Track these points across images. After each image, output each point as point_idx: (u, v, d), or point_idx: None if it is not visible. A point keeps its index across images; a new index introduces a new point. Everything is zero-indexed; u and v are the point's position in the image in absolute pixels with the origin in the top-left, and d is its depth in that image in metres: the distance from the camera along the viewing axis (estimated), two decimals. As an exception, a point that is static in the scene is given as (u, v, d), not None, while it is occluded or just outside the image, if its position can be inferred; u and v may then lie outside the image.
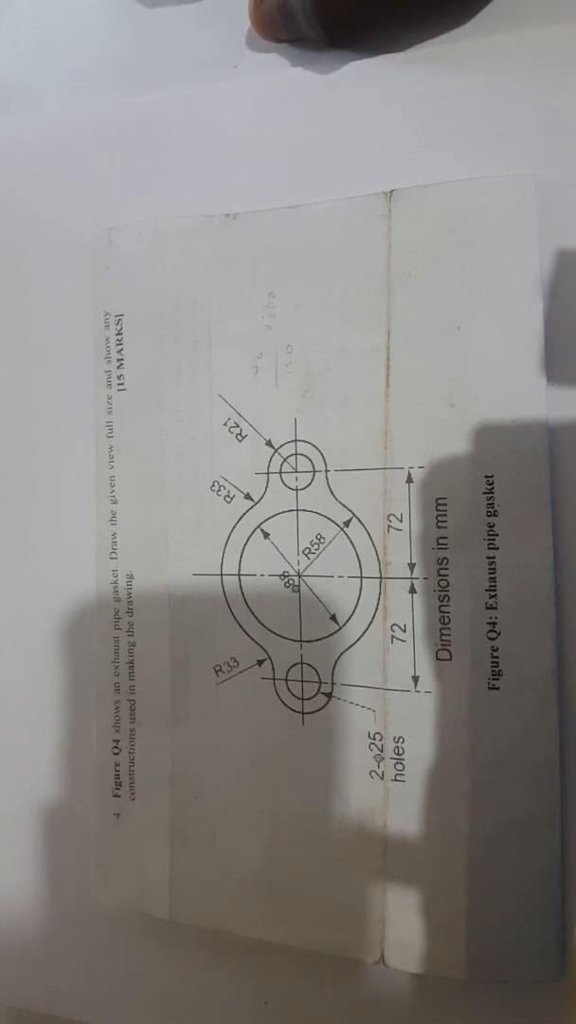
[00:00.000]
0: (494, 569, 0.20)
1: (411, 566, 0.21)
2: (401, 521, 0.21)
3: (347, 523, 0.22)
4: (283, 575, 0.22)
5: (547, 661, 0.20)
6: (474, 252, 0.20)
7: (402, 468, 0.21)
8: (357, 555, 0.22)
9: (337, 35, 0.22)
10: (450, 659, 0.20)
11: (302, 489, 0.22)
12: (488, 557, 0.20)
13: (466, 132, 0.21)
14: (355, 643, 0.22)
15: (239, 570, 0.23)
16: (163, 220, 0.24)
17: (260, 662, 0.23)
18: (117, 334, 0.24)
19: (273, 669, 0.22)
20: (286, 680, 0.22)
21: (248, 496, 0.23)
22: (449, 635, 0.21)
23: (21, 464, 0.26)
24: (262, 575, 0.23)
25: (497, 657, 0.20)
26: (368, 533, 0.21)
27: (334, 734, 0.22)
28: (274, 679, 0.22)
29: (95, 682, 0.24)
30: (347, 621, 0.22)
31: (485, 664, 0.20)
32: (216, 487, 0.23)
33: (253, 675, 0.23)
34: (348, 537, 0.22)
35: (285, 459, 0.22)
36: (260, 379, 0.23)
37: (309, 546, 0.22)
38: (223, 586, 0.23)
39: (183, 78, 0.25)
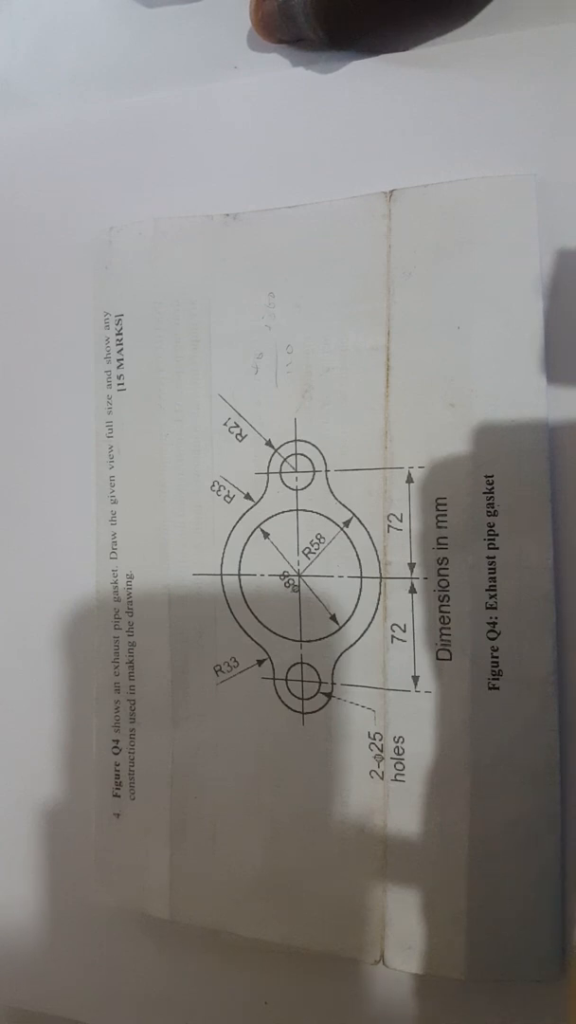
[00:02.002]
0: (494, 569, 0.20)
1: (411, 566, 0.21)
2: (401, 521, 0.21)
3: (347, 523, 0.22)
4: (283, 575, 0.22)
5: (547, 661, 0.20)
6: (474, 252, 0.20)
7: (402, 468, 0.21)
8: (357, 555, 0.22)
9: (338, 36, 0.22)
10: (450, 659, 0.20)
11: (302, 489, 0.22)
12: (488, 557, 0.20)
13: (466, 132, 0.21)
14: (355, 643, 0.22)
15: (239, 570, 0.23)
16: (163, 220, 0.24)
17: (260, 662, 0.23)
18: (117, 334, 0.24)
19: (273, 669, 0.22)
20: (286, 680, 0.22)
21: (248, 496, 0.23)
22: (449, 635, 0.21)
23: (21, 464, 0.26)
24: (262, 575, 0.23)
25: (497, 657, 0.20)
26: (368, 533, 0.21)
27: (334, 734, 0.22)
28: (274, 679, 0.22)
29: (95, 682, 0.24)
30: (347, 621, 0.22)
31: (485, 664, 0.20)
32: (216, 487, 0.23)
33: (253, 675, 0.23)
34: (348, 537, 0.22)
35: (285, 459, 0.22)
36: (260, 379, 0.23)
37: (309, 546, 0.22)
38: (223, 586, 0.23)
39: (183, 78, 0.25)
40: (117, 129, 0.25)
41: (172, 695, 0.23)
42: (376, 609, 0.21)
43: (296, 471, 0.22)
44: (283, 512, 0.22)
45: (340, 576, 0.22)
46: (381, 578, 0.21)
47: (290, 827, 0.22)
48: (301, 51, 0.23)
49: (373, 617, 0.21)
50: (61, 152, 0.26)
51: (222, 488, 0.23)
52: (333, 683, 0.22)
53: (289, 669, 0.22)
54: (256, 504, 0.23)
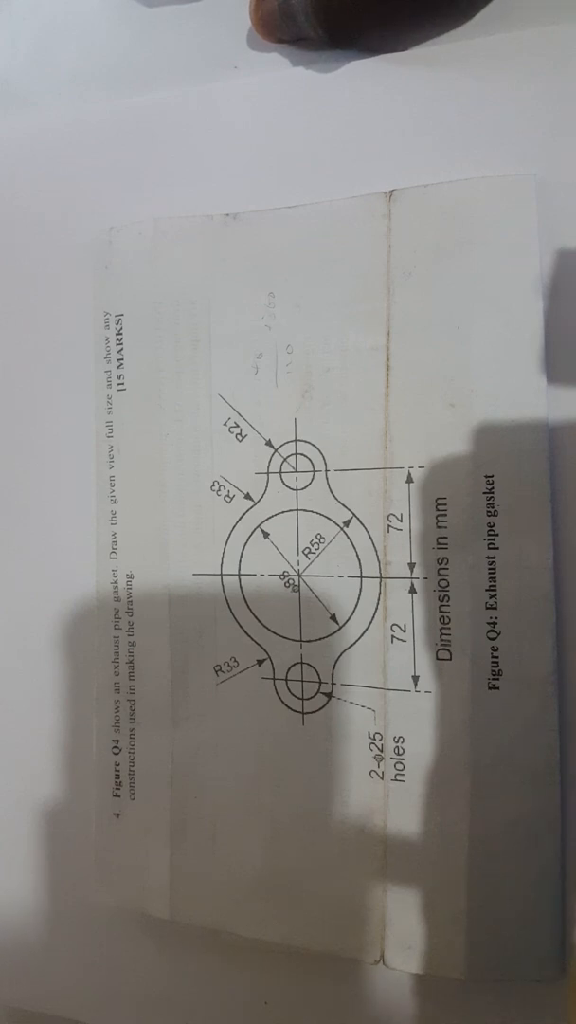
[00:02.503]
0: (494, 569, 0.20)
1: (411, 566, 0.21)
2: (401, 521, 0.21)
3: (347, 523, 0.22)
4: (283, 575, 0.22)
5: (547, 661, 0.20)
6: (474, 252, 0.20)
7: (402, 468, 0.21)
8: (357, 555, 0.22)
9: (338, 35, 0.22)
10: (450, 659, 0.20)
11: (302, 489, 0.22)
12: (488, 557, 0.20)
13: (466, 132, 0.21)
14: (355, 643, 0.22)
15: (239, 570, 0.23)
16: (163, 220, 0.24)
17: (260, 662, 0.23)
18: (117, 334, 0.24)
19: (273, 669, 0.22)
20: (286, 680, 0.22)
21: (248, 496, 0.23)
22: (449, 635, 0.21)
23: (21, 464, 0.26)
24: (262, 575, 0.23)
25: (497, 657, 0.20)
26: (368, 533, 0.21)
27: (334, 734, 0.22)
28: (274, 679, 0.22)
29: (95, 682, 0.24)
30: (347, 621, 0.22)
31: (485, 664, 0.20)
32: (216, 487, 0.23)
33: (253, 675, 0.23)
34: (348, 537, 0.22)
35: (285, 459, 0.22)
36: (260, 379, 0.23)
37: (309, 546, 0.22)
38: (223, 586, 0.23)
39: (183, 78, 0.25)
40: (117, 129, 0.25)
41: (172, 695, 0.23)
42: (376, 609, 0.21)
43: (296, 471, 0.22)
44: (283, 512, 0.22)
45: (340, 576, 0.22)
46: (381, 578, 0.21)
47: (290, 827, 0.22)
48: (301, 51, 0.23)
49: (373, 617, 0.21)
50: (61, 152, 0.26)
51: (222, 488, 0.23)
52: (333, 683, 0.22)
53: (289, 669, 0.22)
54: (256, 504, 0.23)
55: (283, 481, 0.22)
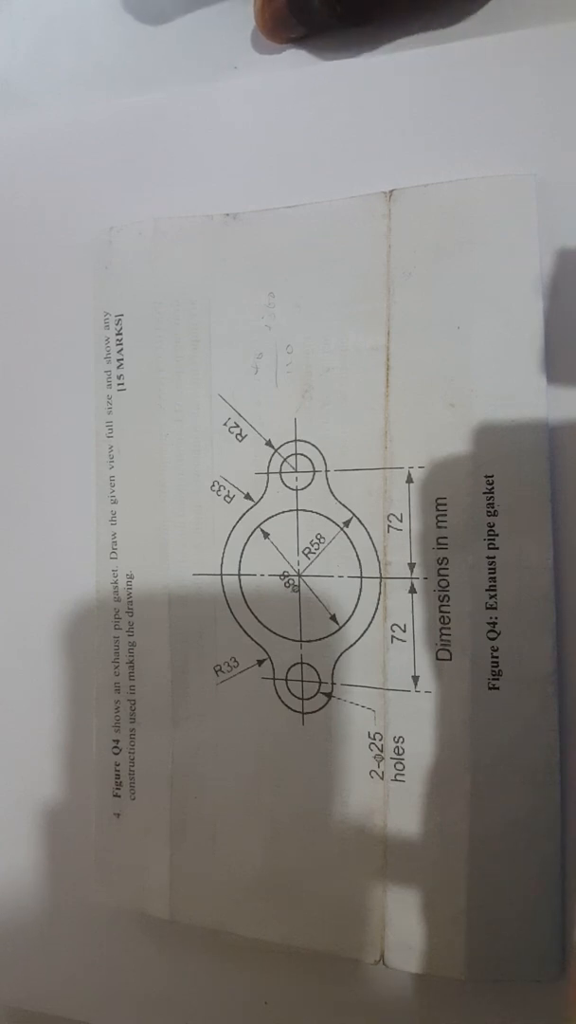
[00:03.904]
0: (494, 569, 0.20)
1: (411, 566, 0.21)
2: (401, 521, 0.21)
3: (347, 523, 0.22)
4: (283, 575, 0.22)
5: (547, 661, 0.20)
6: (474, 252, 0.20)
7: (402, 468, 0.21)
8: (357, 555, 0.22)
9: (353, 18, 0.22)
10: (450, 659, 0.20)
11: (302, 489, 0.22)
12: (488, 557, 0.20)
13: (466, 132, 0.21)
14: (355, 643, 0.22)
15: (239, 570, 0.23)
16: (163, 220, 0.24)
17: (260, 662, 0.23)
18: (117, 334, 0.24)
19: (273, 669, 0.22)
20: (286, 680, 0.22)
21: (248, 496, 0.23)
22: (449, 635, 0.21)
23: (21, 464, 0.26)
24: (262, 575, 0.23)
25: (497, 657, 0.20)
26: (368, 533, 0.21)
27: (334, 734, 0.22)
28: (274, 679, 0.22)
29: (95, 682, 0.24)
30: (347, 621, 0.22)
31: (485, 664, 0.20)
32: (216, 487, 0.23)
33: (253, 675, 0.23)
34: (348, 537, 0.22)
35: (285, 459, 0.22)
36: (260, 379, 0.23)
37: (309, 546, 0.22)
38: (223, 586, 0.23)
39: (183, 78, 0.25)
40: (117, 129, 0.25)
41: (172, 695, 0.23)
42: (376, 609, 0.21)
43: (296, 471, 0.22)
44: (283, 512, 0.22)
45: (340, 576, 0.22)
46: (381, 578, 0.21)
47: (290, 827, 0.22)
48: (301, 50, 0.23)
49: (373, 617, 0.21)
50: (61, 152, 0.26)
51: (222, 488, 0.23)
52: (333, 683, 0.22)
53: (289, 669, 0.22)
54: (256, 504, 0.23)
55: (283, 481, 0.22)
